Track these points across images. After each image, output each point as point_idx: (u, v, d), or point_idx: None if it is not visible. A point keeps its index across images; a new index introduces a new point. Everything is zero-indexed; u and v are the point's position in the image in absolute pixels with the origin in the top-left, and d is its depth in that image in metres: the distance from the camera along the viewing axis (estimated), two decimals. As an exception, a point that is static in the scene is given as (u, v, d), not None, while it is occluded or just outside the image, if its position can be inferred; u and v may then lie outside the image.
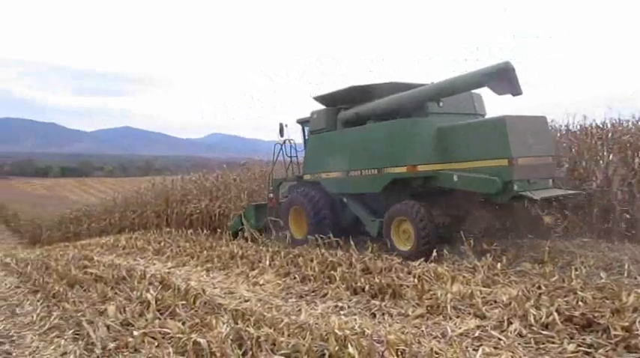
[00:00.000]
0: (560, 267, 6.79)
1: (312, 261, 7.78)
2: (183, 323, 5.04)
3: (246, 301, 6.24)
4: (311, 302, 6.05)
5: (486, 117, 9.23)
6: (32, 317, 6.12)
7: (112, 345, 4.62)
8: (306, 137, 11.03)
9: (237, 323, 4.87)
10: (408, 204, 8.41)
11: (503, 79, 7.63)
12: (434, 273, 6.55)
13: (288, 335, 4.45)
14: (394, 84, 9.26)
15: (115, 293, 6.67)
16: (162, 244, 11.85)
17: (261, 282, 7.23)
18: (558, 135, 10.21)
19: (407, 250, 8.24)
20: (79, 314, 5.64)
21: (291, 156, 11.44)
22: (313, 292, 6.50)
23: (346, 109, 9.84)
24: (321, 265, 7.46)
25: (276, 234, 10.83)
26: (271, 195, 11.60)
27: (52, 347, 4.99)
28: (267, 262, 8.18)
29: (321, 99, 10.30)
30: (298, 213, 10.40)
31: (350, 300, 5.97)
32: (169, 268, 9.16)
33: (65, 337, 5.19)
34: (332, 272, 6.99)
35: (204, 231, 13.18)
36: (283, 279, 7.24)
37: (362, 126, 9.45)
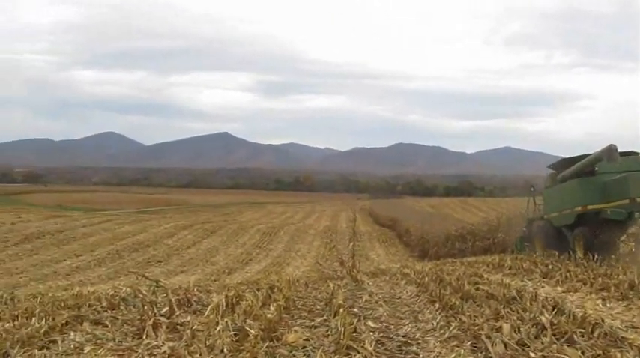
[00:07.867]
0: None
1: None
2: (583, 353, 4.83)
3: (654, 339, 5.59)
4: None
5: None
6: (432, 324, 6.60)
7: (509, 362, 4.72)
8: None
9: (645, 361, 4.43)
10: (580, 229, 13.76)
11: (610, 153, 12.81)
12: None
13: None
14: (581, 156, 14.32)
15: (507, 312, 6.75)
16: (549, 267, 11.52)
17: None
18: None
19: (581, 255, 12.88)
20: (475, 328, 5.90)
21: (536, 204, 17.63)
22: None
23: (559, 173, 15.36)
24: None
25: (527, 252, 16.00)
26: (525, 228, 17.99)
27: (452, 355, 5.27)
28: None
29: (550, 166, 16.59)
30: (538, 240, 16.01)
31: None
32: (560, 293, 8.85)
33: (464, 347, 5.46)
34: None
35: (594, 256, 12.32)
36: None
37: (566, 183, 14.85)
